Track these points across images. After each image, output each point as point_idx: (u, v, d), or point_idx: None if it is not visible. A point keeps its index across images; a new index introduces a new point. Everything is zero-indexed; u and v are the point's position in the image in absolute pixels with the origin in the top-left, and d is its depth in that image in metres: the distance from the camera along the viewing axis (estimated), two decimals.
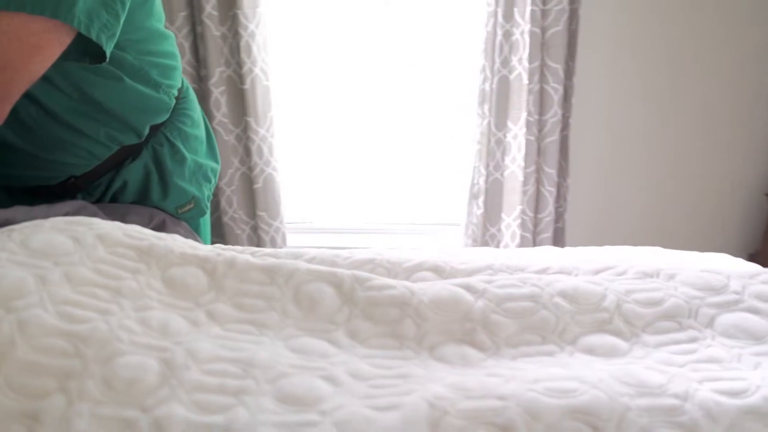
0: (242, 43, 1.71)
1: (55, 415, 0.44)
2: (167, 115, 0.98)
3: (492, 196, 1.86)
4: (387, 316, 0.59)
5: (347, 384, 0.50)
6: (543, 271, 0.70)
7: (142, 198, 1.00)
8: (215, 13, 1.70)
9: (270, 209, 1.92)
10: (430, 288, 0.62)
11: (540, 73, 1.71)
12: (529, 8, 1.63)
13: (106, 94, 0.86)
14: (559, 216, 1.87)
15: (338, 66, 2.01)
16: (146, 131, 0.94)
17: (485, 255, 0.82)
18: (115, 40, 0.77)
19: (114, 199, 0.99)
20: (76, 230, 0.62)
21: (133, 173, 0.97)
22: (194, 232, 1.07)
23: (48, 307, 0.51)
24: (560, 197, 1.85)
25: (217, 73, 1.76)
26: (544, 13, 1.65)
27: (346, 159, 2.14)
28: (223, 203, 1.93)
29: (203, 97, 1.81)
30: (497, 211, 1.87)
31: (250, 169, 1.87)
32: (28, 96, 0.79)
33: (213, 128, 1.84)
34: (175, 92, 0.99)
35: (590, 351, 0.55)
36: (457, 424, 0.43)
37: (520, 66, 1.70)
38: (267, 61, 1.78)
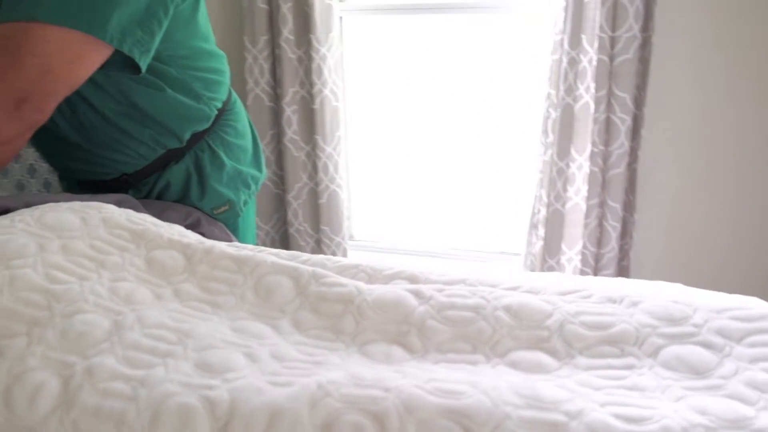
0: (314, 66, 1.83)
1: (16, 352, 0.52)
2: (208, 124, 1.08)
3: (552, 228, 1.81)
4: (331, 311, 0.63)
5: (263, 362, 0.54)
6: (512, 289, 0.69)
7: (183, 197, 1.10)
8: (291, 37, 1.84)
9: (333, 224, 2.01)
10: (377, 289, 0.64)
11: (607, 102, 1.66)
12: (597, 35, 1.59)
13: (149, 102, 0.98)
14: (623, 253, 1.78)
15: (408, 89, 2.07)
16: (187, 137, 1.05)
17: (469, 271, 0.83)
18: (150, 55, 0.88)
19: (159, 197, 1.10)
20: (87, 212, 0.72)
21: (175, 175, 1.08)
22: (229, 233, 1.16)
23: (38, 269, 0.61)
24: (626, 233, 1.76)
25: (290, 93, 1.90)
26: (613, 41, 1.60)
27: (412, 181, 2.19)
28: (290, 216, 2.04)
29: (277, 115, 1.95)
30: (557, 243, 1.82)
31: (317, 184, 1.98)
32: (84, 99, 0.92)
33: (284, 144, 1.97)
34: (219, 104, 1.10)
35: (514, 365, 0.55)
36: (335, 405, 0.46)
37: (587, 94, 1.66)
38: (337, 83, 1.89)
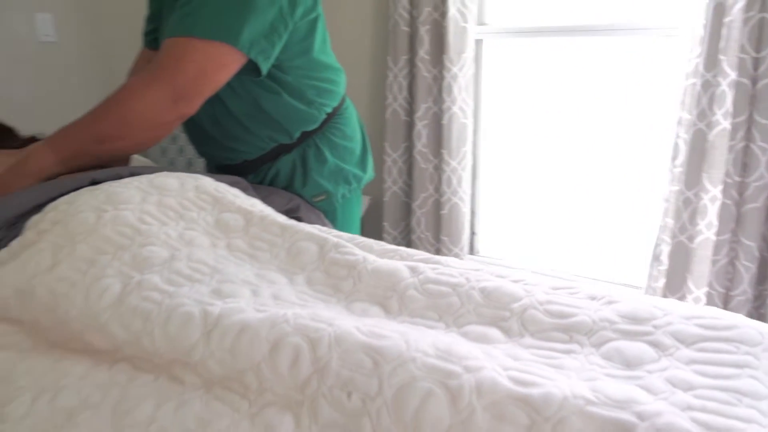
0: (444, 84, 1.95)
1: (102, 263, 0.72)
2: (316, 125, 1.26)
3: (676, 262, 1.68)
4: (338, 274, 0.74)
5: (261, 297, 0.67)
6: (515, 282, 0.74)
7: (288, 185, 1.30)
8: (427, 57, 1.98)
9: (452, 235, 2.09)
10: (381, 261, 0.74)
11: (746, 129, 1.51)
12: (737, 56, 1.47)
13: (268, 104, 1.18)
14: (761, 300, 1.58)
15: (541, 110, 2.08)
16: (296, 135, 1.24)
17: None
18: (270, 62, 1.08)
19: (270, 183, 1.30)
20: (186, 180, 0.93)
21: (284, 165, 1.28)
22: (326, 221, 1.32)
23: (135, 213, 0.81)
24: (763, 276, 1.57)
25: (423, 109, 2.04)
26: (757, 62, 1.47)
27: (539, 202, 2.18)
28: (413, 223, 2.17)
29: (409, 128, 2.10)
30: (681, 279, 1.68)
31: (440, 196, 2.08)
32: (220, 99, 1.15)
33: (413, 156, 2.11)
34: (329, 110, 1.27)
35: (465, 335, 0.61)
36: (286, 330, 0.57)
37: (724, 120, 1.54)
38: (467, 101, 1.98)
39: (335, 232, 0.92)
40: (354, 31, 2.31)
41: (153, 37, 1.32)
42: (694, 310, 0.59)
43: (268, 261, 0.78)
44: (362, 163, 1.41)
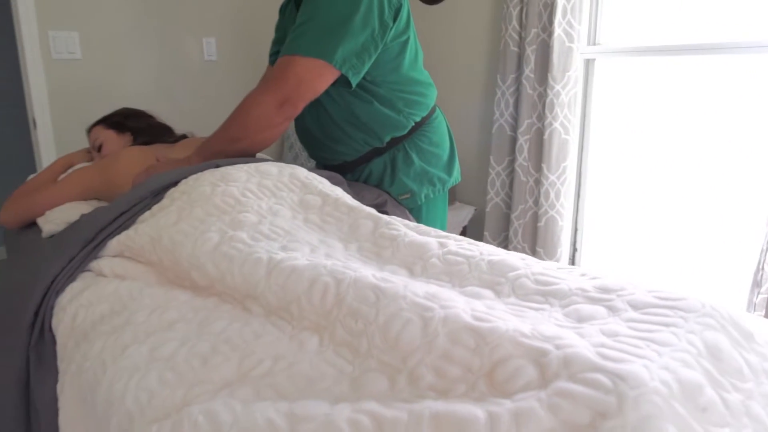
0: (547, 101, 2.02)
1: (206, 226, 0.95)
2: (404, 132, 1.44)
3: None
4: (382, 244, 0.91)
5: (316, 254, 0.85)
6: (522, 259, 0.85)
7: (379, 183, 1.48)
8: (532, 75, 2.08)
9: (547, 248, 2.14)
10: (418, 236, 0.89)
11: None
12: None
13: (361, 111, 1.38)
14: None
15: (653, 130, 2.07)
16: (387, 140, 1.43)
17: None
18: (360, 76, 1.29)
19: (364, 181, 1.50)
20: (284, 168, 1.15)
21: (376, 166, 1.47)
22: (410, 215, 1.48)
23: (239, 188, 1.04)
24: None
25: (526, 124, 2.13)
26: None
27: (645, 220, 2.15)
28: (511, 233, 2.25)
29: (513, 143, 2.20)
30: None
31: (538, 208, 2.15)
32: (322, 105, 1.37)
33: (513, 169, 2.21)
34: (417, 118, 1.45)
35: (463, 293, 0.74)
36: (322, 272, 0.75)
37: None
38: (569, 118, 2.04)
39: (400, 220, 1.08)
40: (469, 51, 2.47)
41: (276, 58, 1.60)
42: (662, 287, 0.67)
43: (333, 232, 0.97)
44: (448, 168, 1.56)
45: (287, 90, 1.25)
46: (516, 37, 2.14)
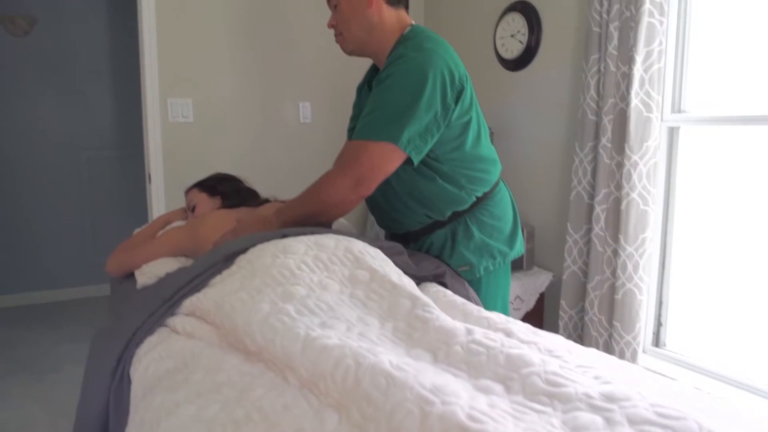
0: (624, 171, 1.99)
1: (261, 296, 1.06)
2: (466, 206, 1.49)
3: None
4: (415, 326, 0.96)
5: (350, 333, 0.92)
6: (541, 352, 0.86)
7: (439, 254, 1.53)
8: (609, 144, 2.05)
9: (624, 322, 2.05)
10: (448, 320, 0.93)
11: None
12: None
13: (424, 187, 1.46)
14: None
15: (740, 202, 1.95)
16: (448, 214, 1.49)
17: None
18: (422, 155, 1.37)
19: (426, 251, 1.56)
20: (341, 241, 1.25)
21: (437, 238, 1.53)
22: (469, 288, 1.51)
23: (295, 261, 1.15)
24: None
25: (603, 193, 2.09)
26: None
27: (734, 299, 2.00)
28: (587, 304, 2.19)
29: (589, 210, 2.16)
30: None
31: (616, 280, 2.08)
32: (388, 181, 1.46)
33: (590, 238, 2.16)
34: (479, 194, 1.50)
35: (474, 386, 0.77)
36: (347, 354, 0.81)
37: None
38: (648, 188, 1.98)
39: (452, 298, 1.13)
40: (548, 118, 2.49)
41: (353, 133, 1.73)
42: (667, 401, 0.66)
43: (374, 309, 1.04)
44: (510, 241, 1.58)
45: (361, 172, 1.35)
46: (594, 105, 2.13)
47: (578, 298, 2.30)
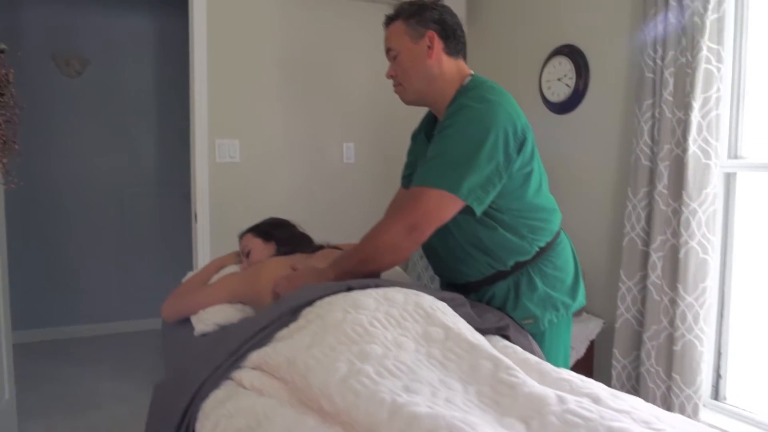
0: (682, 218, 1.94)
1: (337, 354, 1.04)
2: (529, 257, 1.46)
3: None
4: (501, 391, 0.93)
5: (437, 399, 0.89)
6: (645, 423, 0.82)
7: (502, 306, 1.50)
8: (665, 191, 2.01)
9: (684, 375, 1.98)
10: (536, 386, 0.90)
11: None
12: None
13: (486, 236, 1.44)
14: None
15: None
16: (511, 264, 1.46)
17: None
18: (484, 206, 1.35)
19: (487, 303, 1.53)
20: (410, 296, 1.23)
21: (499, 289, 1.50)
22: (532, 341, 1.47)
23: (367, 316, 1.13)
24: None
25: (659, 240, 2.04)
26: None
27: None
28: (643, 354, 2.11)
29: (645, 258, 2.11)
30: None
31: (674, 330, 2.01)
32: (448, 229, 1.44)
33: (645, 286, 2.10)
34: (542, 244, 1.47)
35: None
36: (441, 425, 0.78)
37: None
38: (707, 237, 1.93)
39: (524, 356, 1.10)
40: (598, 163, 2.46)
41: (408, 180, 1.72)
42: None
43: (453, 371, 1.01)
44: (572, 292, 1.54)
45: (416, 218, 1.34)
46: (648, 151, 2.10)
47: (632, 347, 2.22)
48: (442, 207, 1.34)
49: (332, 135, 3.05)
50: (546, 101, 2.69)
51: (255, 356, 1.16)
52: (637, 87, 2.15)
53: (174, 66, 4.01)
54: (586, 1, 2.50)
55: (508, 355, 1.17)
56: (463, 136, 1.32)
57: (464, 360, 1.03)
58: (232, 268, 1.82)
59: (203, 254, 2.77)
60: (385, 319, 1.14)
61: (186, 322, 1.63)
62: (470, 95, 1.39)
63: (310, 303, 1.25)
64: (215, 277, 1.79)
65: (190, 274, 1.99)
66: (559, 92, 2.60)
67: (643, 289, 2.16)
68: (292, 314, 1.25)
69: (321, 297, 1.25)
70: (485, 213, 1.40)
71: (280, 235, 1.79)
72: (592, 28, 2.47)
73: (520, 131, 1.36)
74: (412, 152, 1.73)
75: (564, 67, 2.56)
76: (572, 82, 2.51)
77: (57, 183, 3.83)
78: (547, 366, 1.11)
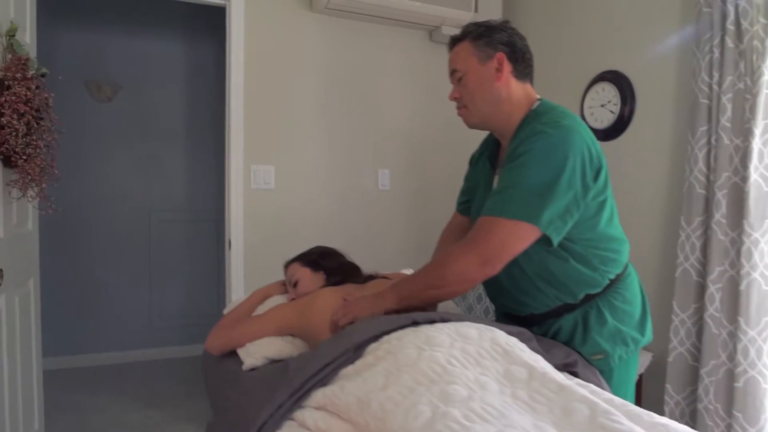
0: (743, 249, 1.86)
1: (416, 395, 0.97)
2: (599, 289, 1.39)
3: None
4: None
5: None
6: None
7: (569, 341, 1.43)
8: (723, 220, 1.94)
9: (746, 412, 1.88)
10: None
11: None
12: None
13: (556, 268, 1.37)
14: None
15: None
16: (580, 297, 1.39)
17: None
18: (562, 236, 1.29)
19: (552, 337, 1.45)
20: (484, 332, 1.16)
21: (567, 322, 1.42)
22: (601, 379, 1.39)
23: (444, 354, 1.06)
24: None
25: (717, 272, 1.96)
26: None
27: None
28: (701, 391, 2.02)
29: (701, 290, 2.02)
30: None
31: (735, 366, 1.91)
32: (516, 260, 1.37)
33: (704, 319, 2.02)
34: (612, 276, 1.40)
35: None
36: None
37: None
38: None
39: (607, 395, 1.02)
40: (647, 192, 2.39)
41: (465, 207, 1.66)
42: None
43: (544, 414, 0.94)
44: (641, 327, 1.46)
45: (490, 251, 1.28)
46: (703, 179, 2.04)
47: (687, 382, 2.13)
48: (518, 239, 1.28)
49: (367, 161, 3.02)
50: (589, 128, 2.64)
51: (320, 395, 1.09)
52: (690, 113, 2.10)
53: (204, 91, 4.02)
54: (632, 28, 2.47)
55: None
56: (541, 164, 1.26)
57: (555, 403, 0.96)
58: (279, 299, 1.76)
59: (237, 282, 2.72)
60: (462, 356, 1.07)
61: (231, 355, 1.57)
62: (543, 120, 1.33)
63: (376, 338, 1.18)
64: (260, 308, 1.74)
65: (231, 305, 1.93)
66: (602, 118, 2.55)
67: (699, 321, 2.07)
68: (356, 350, 1.19)
69: (387, 332, 1.19)
70: (558, 243, 1.34)
71: (329, 264, 1.73)
72: (637, 53, 2.43)
73: (596, 158, 1.30)
74: (470, 177, 1.67)
75: (608, 93, 2.51)
76: (617, 108, 2.46)
77: (86, 208, 3.82)
78: (636, 408, 1.04)
